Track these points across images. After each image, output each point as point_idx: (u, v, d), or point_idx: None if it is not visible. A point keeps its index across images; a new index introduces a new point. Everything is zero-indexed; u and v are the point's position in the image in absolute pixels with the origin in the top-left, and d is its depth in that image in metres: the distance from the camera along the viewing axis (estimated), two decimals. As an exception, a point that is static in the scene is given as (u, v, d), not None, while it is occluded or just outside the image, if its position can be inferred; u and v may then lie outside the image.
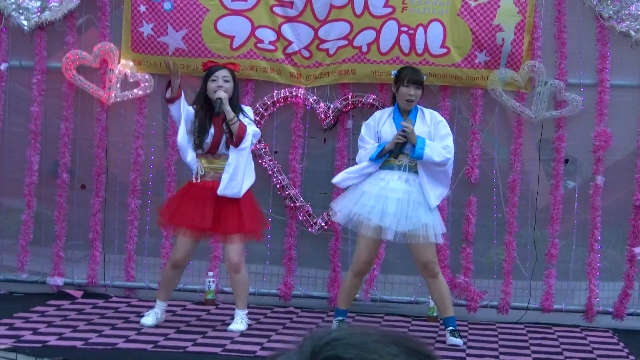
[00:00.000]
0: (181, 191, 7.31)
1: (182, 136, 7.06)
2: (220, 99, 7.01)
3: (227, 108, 7.00)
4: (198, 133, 7.07)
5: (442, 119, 7.30)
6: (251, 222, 7.12)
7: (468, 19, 8.01)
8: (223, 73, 7.13)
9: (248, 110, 7.28)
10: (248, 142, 7.03)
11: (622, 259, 8.21)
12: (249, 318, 7.31)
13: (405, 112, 7.20)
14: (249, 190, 7.13)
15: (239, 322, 7.19)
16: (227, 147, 7.06)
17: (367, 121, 7.27)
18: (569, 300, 8.22)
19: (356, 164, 7.23)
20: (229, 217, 7.02)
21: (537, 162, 8.16)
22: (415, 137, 7.00)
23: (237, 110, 7.10)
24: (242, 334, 7.09)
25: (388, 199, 6.99)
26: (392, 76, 7.31)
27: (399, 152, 7.06)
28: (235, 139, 7.01)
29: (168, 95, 7.10)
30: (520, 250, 8.19)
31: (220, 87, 7.06)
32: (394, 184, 7.04)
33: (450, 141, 7.13)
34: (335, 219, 7.35)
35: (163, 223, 7.42)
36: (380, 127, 7.17)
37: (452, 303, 7.24)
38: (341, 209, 7.12)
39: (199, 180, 7.10)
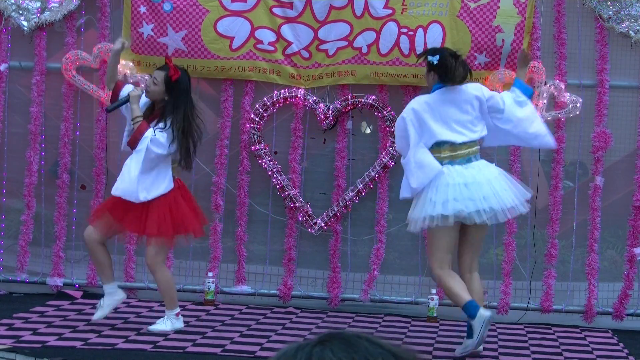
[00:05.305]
0: None
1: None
2: (128, 95, 6.88)
3: (134, 107, 6.86)
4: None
5: None
6: (158, 225, 6.87)
7: (467, 20, 8.02)
8: (156, 74, 6.95)
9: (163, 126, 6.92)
10: (143, 145, 6.79)
11: (621, 260, 8.21)
12: (250, 319, 7.28)
13: None
14: (166, 194, 6.90)
15: (162, 323, 6.98)
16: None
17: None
18: (568, 301, 8.23)
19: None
20: (136, 217, 6.88)
21: (537, 162, 8.16)
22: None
23: (163, 117, 6.87)
24: (242, 335, 7.09)
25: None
26: (434, 63, 6.90)
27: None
28: (131, 139, 6.87)
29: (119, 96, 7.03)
30: (519, 250, 8.20)
31: (146, 87, 6.94)
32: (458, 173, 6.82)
33: None
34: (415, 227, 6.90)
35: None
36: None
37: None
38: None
39: None
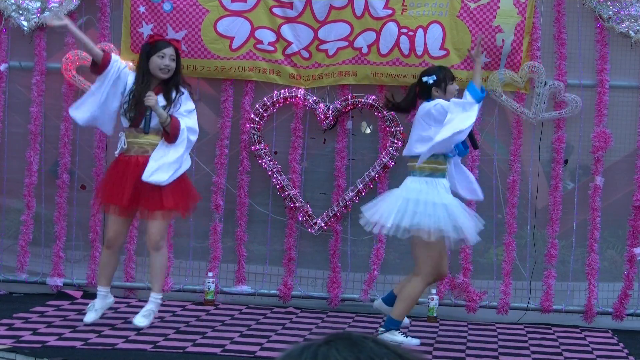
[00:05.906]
0: (109, 168, 7.28)
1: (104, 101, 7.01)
2: (149, 107, 6.86)
3: (160, 112, 6.87)
4: (133, 105, 6.92)
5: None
6: (174, 198, 6.93)
7: (467, 20, 8.02)
8: (171, 51, 7.00)
9: (185, 99, 7.04)
10: (184, 136, 6.92)
11: (621, 260, 8.21)
12: (250, 319, 7.27)
13: None
14: None
15: (142, 317, 6.97)
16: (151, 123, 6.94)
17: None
18: (568, 301, 8.23)
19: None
20: (149, 193, 6.87)
21: (537, 162, 8.16)
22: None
23: (176, 91, 6.96)
24: (242, 335, 7.10)
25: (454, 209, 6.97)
26: (431, 82, 7.07)
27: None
28: (171, 137, 6.91)
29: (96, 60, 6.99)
30: (519, 250, 8.20)
31: (167, 66, 6.92)
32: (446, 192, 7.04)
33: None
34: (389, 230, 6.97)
35: (97, 203, 7.32)
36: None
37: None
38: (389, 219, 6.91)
39: (117, 154, 7.05)
